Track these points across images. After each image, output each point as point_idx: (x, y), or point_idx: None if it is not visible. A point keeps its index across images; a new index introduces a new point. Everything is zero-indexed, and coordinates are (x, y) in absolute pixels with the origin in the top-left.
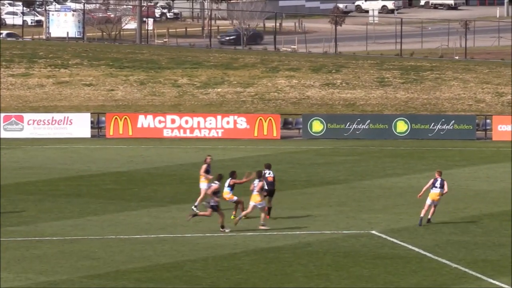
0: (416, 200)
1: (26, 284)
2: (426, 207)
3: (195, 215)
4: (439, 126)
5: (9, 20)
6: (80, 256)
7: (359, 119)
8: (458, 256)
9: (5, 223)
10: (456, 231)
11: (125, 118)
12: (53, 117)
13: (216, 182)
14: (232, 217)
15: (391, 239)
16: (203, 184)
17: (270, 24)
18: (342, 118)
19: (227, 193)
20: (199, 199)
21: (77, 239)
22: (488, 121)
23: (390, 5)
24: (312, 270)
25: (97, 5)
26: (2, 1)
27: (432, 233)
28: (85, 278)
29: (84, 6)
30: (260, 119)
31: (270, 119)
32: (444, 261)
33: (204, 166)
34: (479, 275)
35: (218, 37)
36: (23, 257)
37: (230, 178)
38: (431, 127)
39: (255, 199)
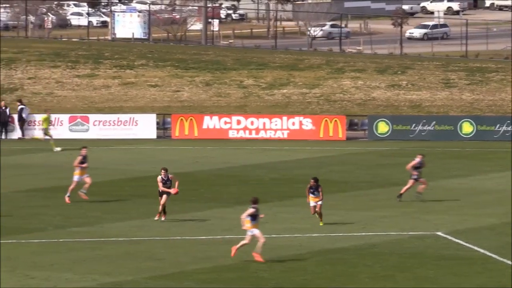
0: (480, 201)
1: (92, 285)
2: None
3: None
4: (504, 128)
5: (74, 21)
6: (144, 257)
7: (424, 121)
8: None
9: (69, 224)
10: None
11: (191, 119)
12: (118, 118)
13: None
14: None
15: (456, 240)
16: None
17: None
18: (407, 119)
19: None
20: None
21: (142, 240)
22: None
23: (456, 7)
24: (377, 271)
25: (163, 6)
26: (67, 2)
27: (496, 234)
28: (150, 279)
29: (149, 7)
30: (326, 120)
31: (335, 120)
32: (508, 262)
33: (79, 158)
34: None
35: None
36: (88, 258)
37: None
38: (496, 129)
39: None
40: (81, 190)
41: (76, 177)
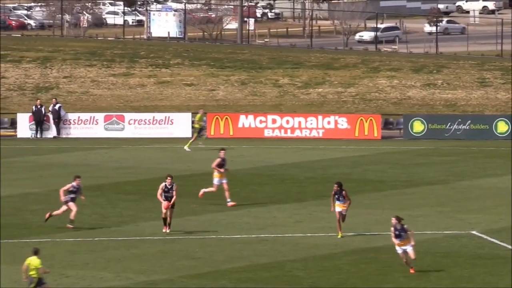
0: None
1: (126, 284)
2: None
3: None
4: None
5: (110, 19)
6: (179, 256)
7: (459, 120)
8: None
9: (105, 222)
10: None
11: (226, 118)
12: (154, 117)
13: None
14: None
15: (491, 239)
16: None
17: (371, 24)
18: (443, 118)
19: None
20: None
21: (177, 238)
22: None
23: (491, 6)
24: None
25: (198, 5)
26: (103, 1)
27: None
28: (185, 278)
29: (185, 6)
30: (361, 119)
31: (371, 119)
32: None
33: (217, 160)
34: None
35: None
36: (123, 257)
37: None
38: None
39: None
40: (227, 201)
41: (215, 180)
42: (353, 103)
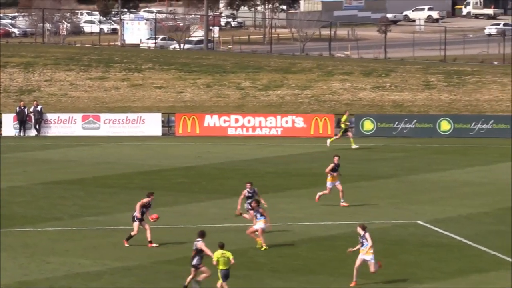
0: (459, 193)
1: (103, 269)
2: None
3: None
4: (479, 126)
5: (87, 28)
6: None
7: (406, 119)
8: (496, 244)
9: (84, 213)
10: (495, 221)
11: (193, 117)
12: (127, 117)
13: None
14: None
15: (436, 228)
16: (328, 183)
17: (325, 32)
18: (391, 118)
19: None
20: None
21: (150, 228)
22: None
23: (435, 15)
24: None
25: (168, 14)
26: (81, 11)
27: (473, 223)
28: (156, 264)
29: (156, 16)
30: (316, 119)
31: (325, 118)
32: (483, 248)
33: (331, 165)
34: None
35: None
36: (100, 245)
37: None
38: (472, 126)
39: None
40: (341, 201)
41: (328, 183)
42: (309, 104)
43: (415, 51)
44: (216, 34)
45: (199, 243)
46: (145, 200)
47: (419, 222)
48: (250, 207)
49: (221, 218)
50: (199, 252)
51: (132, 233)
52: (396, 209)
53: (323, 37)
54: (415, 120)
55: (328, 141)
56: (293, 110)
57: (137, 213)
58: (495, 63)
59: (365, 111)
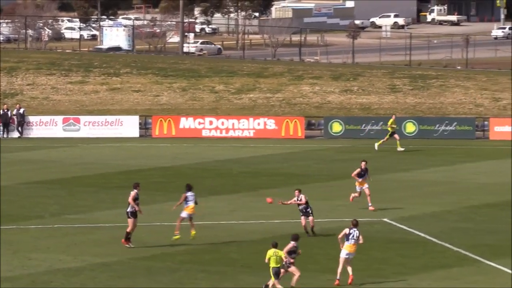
0: (424, 192)
1: (82, 265)
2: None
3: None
4: (443, 127)
5: (68, 34)
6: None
7: (373, 121)
8: (460, 241)
9: (65, 212)
10: (459, 219)
11: (169, 120)
12: (106, 119)
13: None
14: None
15: (402, 226)
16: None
17: (296, 38)
18: (358, 120)
19: (191, 207)
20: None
21: (128, 226)
22: (486, 123)
23: (401, 22)
24: (333, 253)
25: (145, 21)
26: (62, 18)
27: (437, 221)
28: (134, 260)
29: (133, 22)
30: (287, 121)
31: (295, 121)
32: (447, 245)
33: (357, 170)
34: (478, 258)
35: None
36: (81, 242)
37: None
38: (436, 128)
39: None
40: (369, 205)
41: (357, 188)
42: (280, 107)
43: (381, 56)
44: (191, 40)
45: (290, 245)
46: (134, 192)
47: (385, 220)
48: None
49: (196, 216)
50: (290, 253)
51: (128, 230)
52: (364, 207)
53: (294, 43)
54: (381, 122)
55: (376, 144)
56: (265, 113)
57: (131, 208)
58: (458, 67)
59: (333, 114)
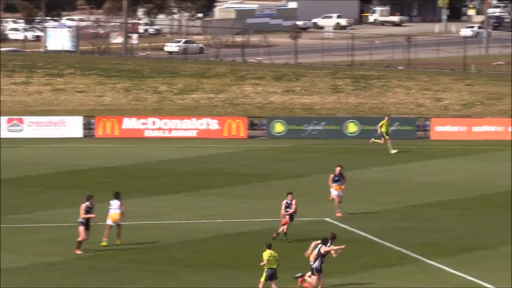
0: (366, 191)
1: (24, 264)
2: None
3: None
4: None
5: (12, 35)
6: (73, 241)
7: (315, 121)
8: (401, 240)
9: (8, 212)
10: (400, 218)
11: (112, 120)
12: (49, 120)
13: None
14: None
15: (344, 225)
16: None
17: (239, 38)
18: (301, 120)
19: (116, 214)
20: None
21: (72, 225)
22: (427, 122)
23: (343, 22)
24: (276, 252)
25: (89, 22)
26: (6, 19)
27: (379, 220)
28: (76, 260)
29: (78, 24)
30: (230, 121)
31: (238, 121)
32: (388, 244)
33: (331, 176)
34: (418, 257)
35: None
36: (25, 242)
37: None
38: (378, 128)
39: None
40: (336, 211)
41: (333, 192)
42: (223, 107)
43: (324, 57)
44: (135, 41)
45: (323, 248)
46: (84, 205)
47: (327, 219)
48: None
49: (138, 215)
50: (322, 256)
51: (79, 239)
52: (306, 207)
53: (237, 43)
54: (324, 122)
55: (392, 151)
56: (207, 113)
57: (81, 217)
58: (400, 68)
59: (276, 114)
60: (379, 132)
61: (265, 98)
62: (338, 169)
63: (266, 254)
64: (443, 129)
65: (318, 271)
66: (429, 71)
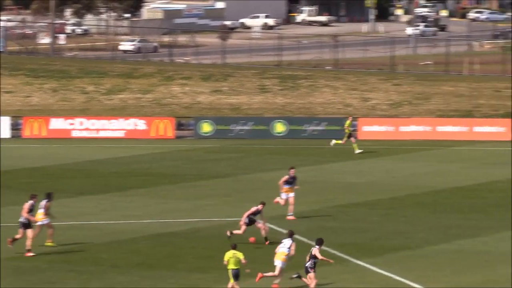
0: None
1: None
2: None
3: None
4: (312, 127)
5: None
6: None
7: (243, 121)
8: (327, 240)
9: None
10: (326, 218)
11: (40, 120)
12: None
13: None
14: (48, 243)
15: (270, 225)
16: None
17: (166, 38)
18: (228, 120)
19: (40, 214)
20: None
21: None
22: (354, 122)
23: (271, 22)
24: (201, 252)
25: (16, 22)
26: None
27: (305, 220)
28: (2, 260)
29: (4, 23)
30: (157, 121)
31: (166, 121)
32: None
33: (285, 177)
34: (346, 257)
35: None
36: None
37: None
38: (305, 128)
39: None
40: (288, 214)
41: (283, 195)
42: (150, 107)
43: (251, 57)
44: (62, 41)
45: (314, 250)
46: (28, 204)
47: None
48: None
49: (64, 216)
50: (314, 257)
51: (17, 236)
52: (232, 207)
53: (164, 43)
54: (251, 122)
55: (333, 141)
56: (135, 113)
57: (23, 219)
58: (328, 67)
59: (203, 114)
60: (346, 132)
61: (193, 98)
62: (292, 171)
63: (228, 254)
64: (371, 129)
65: (313, 269)
66: (357, 71)
